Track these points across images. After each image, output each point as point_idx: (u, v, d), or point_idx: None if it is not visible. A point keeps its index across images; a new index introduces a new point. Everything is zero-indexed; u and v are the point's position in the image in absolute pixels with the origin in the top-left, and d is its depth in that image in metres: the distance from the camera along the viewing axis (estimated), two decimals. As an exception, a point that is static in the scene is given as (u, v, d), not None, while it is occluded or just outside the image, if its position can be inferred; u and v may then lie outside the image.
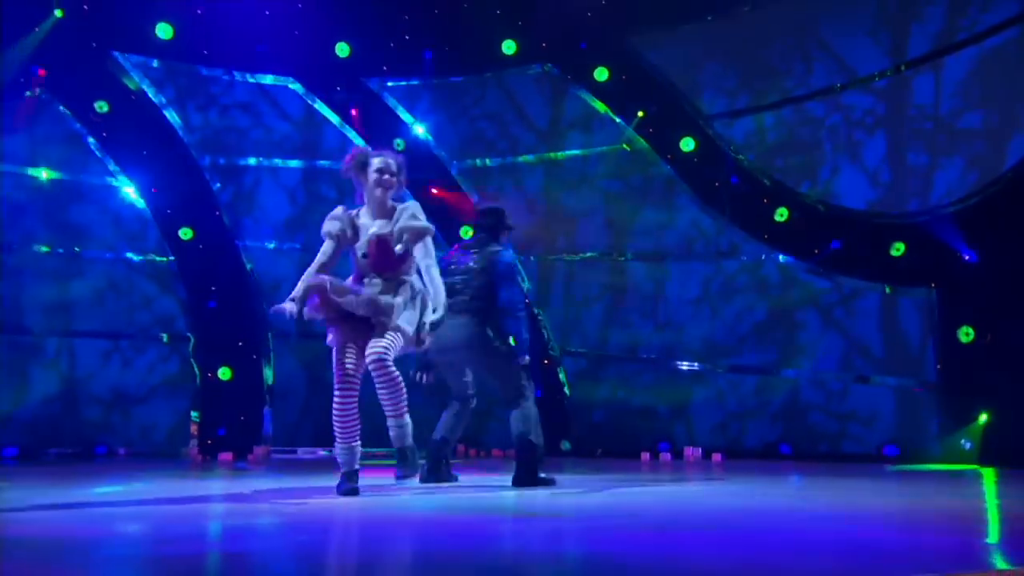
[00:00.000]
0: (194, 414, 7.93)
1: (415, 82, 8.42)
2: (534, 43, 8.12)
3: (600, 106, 8.17)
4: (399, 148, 8.06)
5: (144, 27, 7.48)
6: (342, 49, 8.02)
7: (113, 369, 7.92)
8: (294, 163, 8.37)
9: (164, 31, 7.48)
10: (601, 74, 8.05)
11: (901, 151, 7.38)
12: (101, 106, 7.64)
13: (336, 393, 3.90)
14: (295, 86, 8.27)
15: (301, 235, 8.24)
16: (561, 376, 8.25)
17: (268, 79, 8.22)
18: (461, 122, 8.61)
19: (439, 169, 8.32)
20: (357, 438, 3.91)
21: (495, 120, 8.51)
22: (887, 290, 7.31)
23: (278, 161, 8.33)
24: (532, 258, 8.40)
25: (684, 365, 7.95)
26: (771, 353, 7.70)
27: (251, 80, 8.15)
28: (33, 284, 7.65)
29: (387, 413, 3.79)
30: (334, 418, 3.89)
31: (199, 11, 7.62)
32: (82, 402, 7.80)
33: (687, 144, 7.86)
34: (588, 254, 8.38)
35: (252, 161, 8.31)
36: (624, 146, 8.17)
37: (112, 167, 7.81)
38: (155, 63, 7.84)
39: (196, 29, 7.62)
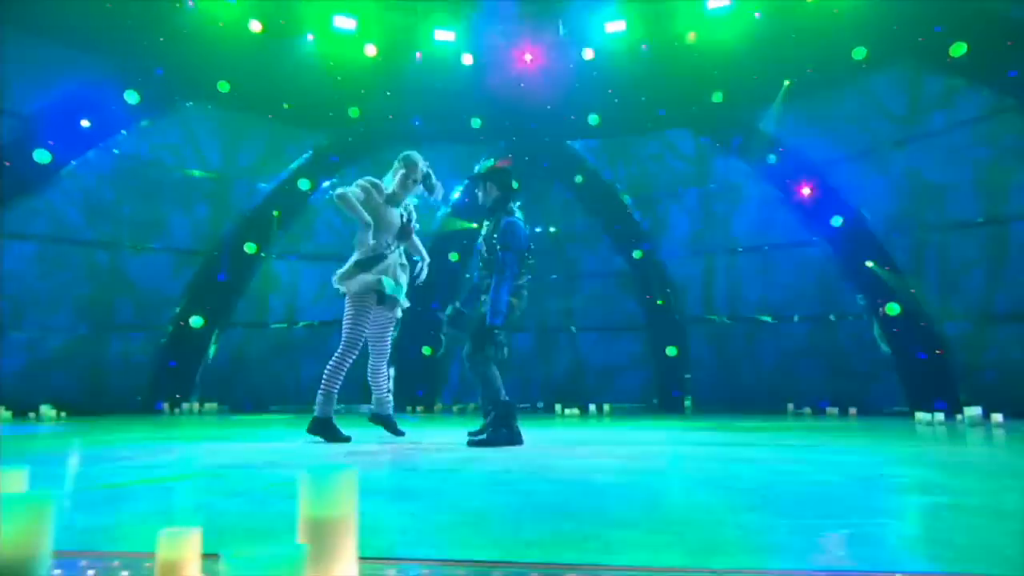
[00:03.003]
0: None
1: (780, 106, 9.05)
2: (886, 41, 8.04)
3: (960, 80, 7.69)
4: (772, 162, 8.98)
5: (581, 119, 10.00)
6: (716, 96, 9.26)
7: (601, 350, 10.66)
8: (689, 190, 9.89)
9: (594, 119, 9.93)
10: (958, 49, 7.58)
11: None
12: (578, 178, 10.47)
13: None
14: (687, 131, 9.81)
15: (700, 245, 9.78)
16: (941, 340, 7.90)
17: (669, 132, 9.95)
18: (825, 128, 8.81)
19: (811, 168, 8.86)
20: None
21: (853, 119, 8.51)
22: None
23: (680, 189, 9.93)
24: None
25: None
26: None
27: (656, 135, 10.00)
28: (548, 300, 10.87)
29: None
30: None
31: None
32: (584, 372, 10.72)
33: (1066, 94, 6.91)
34: (960, 222, 7.79)
35: (660, 194, 10.14)
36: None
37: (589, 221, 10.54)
38: (592, 142, 10.33)
39: (614, 112, 9.83)
